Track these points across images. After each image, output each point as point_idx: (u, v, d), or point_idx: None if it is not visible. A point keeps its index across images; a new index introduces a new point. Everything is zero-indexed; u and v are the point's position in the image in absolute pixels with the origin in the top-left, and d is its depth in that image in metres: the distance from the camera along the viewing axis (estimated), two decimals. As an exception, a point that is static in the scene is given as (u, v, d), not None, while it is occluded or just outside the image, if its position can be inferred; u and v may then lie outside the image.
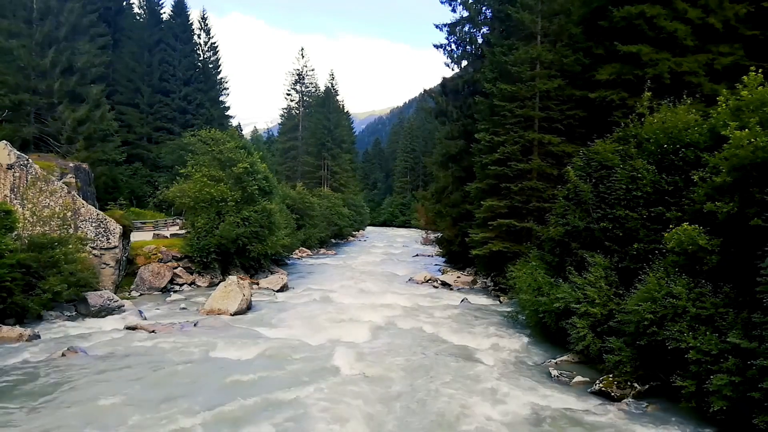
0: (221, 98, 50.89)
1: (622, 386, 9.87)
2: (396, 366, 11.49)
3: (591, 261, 12.04)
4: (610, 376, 10.15)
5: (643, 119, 13.17)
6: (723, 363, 8.04)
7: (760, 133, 8.67)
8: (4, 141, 17.91)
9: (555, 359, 12.16)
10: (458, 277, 25.53)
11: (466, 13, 28.62)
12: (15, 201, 16.81)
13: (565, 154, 18.71)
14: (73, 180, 20.73)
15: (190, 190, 23.12)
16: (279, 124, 75.56)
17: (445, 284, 24.46)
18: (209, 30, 49.30)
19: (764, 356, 7.45)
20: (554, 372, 11.24)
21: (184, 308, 17.52)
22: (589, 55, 18.60)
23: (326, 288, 22.68)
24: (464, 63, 29.88)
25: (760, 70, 10.00)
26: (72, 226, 17.70)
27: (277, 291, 21.74)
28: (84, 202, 19.00)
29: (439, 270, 29.38)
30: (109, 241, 18.64)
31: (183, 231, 25.18)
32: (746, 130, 8.93)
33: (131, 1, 47.92)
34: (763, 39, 16.27)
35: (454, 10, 29.05)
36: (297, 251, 36.23)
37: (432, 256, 38.34)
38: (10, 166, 17.23)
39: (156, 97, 43.70)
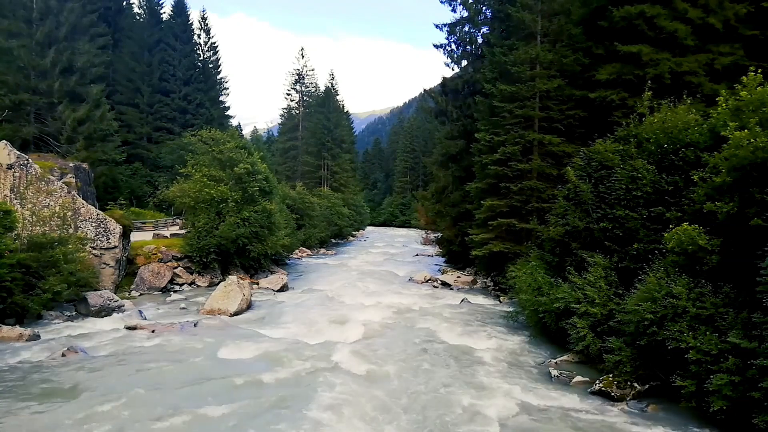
0: (221, 98, 50.93)
1: (622, 386, 9.87)
2: (396, 366, 11.50)
3: (591, 261, 12.04)
4: (610, 376, 10.14)
5: (643, 119, 13.18)
6: (723, 363, 8.05)
7: (759, 133, 8.67)
8: (4, 141, 17.90)
9: (555, 359, 12.16)
10: (458, 277, 25.53)
11: (466, 13, 28.64)
12: (15, 201, 16.81)
13: (565, 154, 18.70)
14: (73, 180, 20.71)
15: (190, 190, 23.13)
16: (279, 124, 75.50)
17: (445, 284, 24.45)
18: (209, 30, 49.35)
19: (764, 356, 7.46)
20: (554, 372, 11.24)
21: (184, 308, 17.52)
22: (589, 55, 18.59)
23: (326, 288, 22.68)
24: (464, 63, 29.88)
25: (759, 70, 10.01)
26: (72, 225, 17.70)
27: (277, 291, 21.75)
28: (84, 201, 19.00)
29: (439, 270, 29.37)
30: (109, 241, 18.64)
31: (183, 231, 25.18)
32: (746, 130, 8.93)
33: (131, 1, 47.93)
34: (763, 39, 16.27)
35: (454, 10, 29.11)
36: (297, 251, 36.22)
37: (432, 256, 38.33)
38: (10, 166, 17.23)
39: (156, 97, 43.67)
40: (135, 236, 22.84)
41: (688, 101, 13.16)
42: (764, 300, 7.84)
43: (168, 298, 19.30)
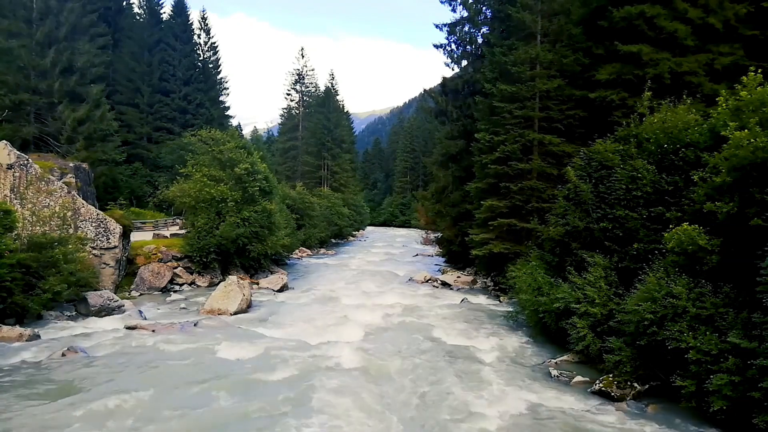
0: (221, 98, 50.97)
1: (622, 386, 9.87)
2: (396, 366, 11.50)
3: (591, 261, 12.04)
4: (610, 376, 10.15)
5: (643, 119, 13.18)
6: (723, 363, 8.05)
7: (759, 133, 8.67)
8: (4, 141, 17.89)
9: (555, 359, 12.17)
10: (458, 277, 25.52)
11: (466, 13, 28.63)
12: (15, 201, 16.82)
13: (565, 154, 18.70)
14: (73, 180, 20.72)
15: (190, 190, 23.14)
16: (279, 124, 75.53)
17: (445, 284, 24.45)
18: (209, 30, 49.38)
19: (764, 356, 7.46)
20: (554, 372, 11.25)
21: (184, 308, 17.52)
22: (589, 55, 18.59)
23: (326, 288, 22.68)
24: (464, 63, 29.87)
25: (759, 70, 10.00)
26: (72, 225, 17.69)
27: (277, 291, 21.74)
28: (84, 201, 19.00)
29: (439, 270, 29.37)
30: (109, 241, 18.64)
31: (183, 231, 25.18)
32: (746, 130, 8.93)
33: (131, 1, 47.96)
34: (763, 39, 16.27)
35: (454, 10, 29.10)
36: (297, 251, 36.22)
37: (432, 256, 38.33)
38: (10, 166, 17.23)
39: (156, 97, 43.68)
40: (135, 236, 22.84)
41: (688, 101, 13.16)
42: (764, 300, 7.84)
43: (168, 298, 19.30)
